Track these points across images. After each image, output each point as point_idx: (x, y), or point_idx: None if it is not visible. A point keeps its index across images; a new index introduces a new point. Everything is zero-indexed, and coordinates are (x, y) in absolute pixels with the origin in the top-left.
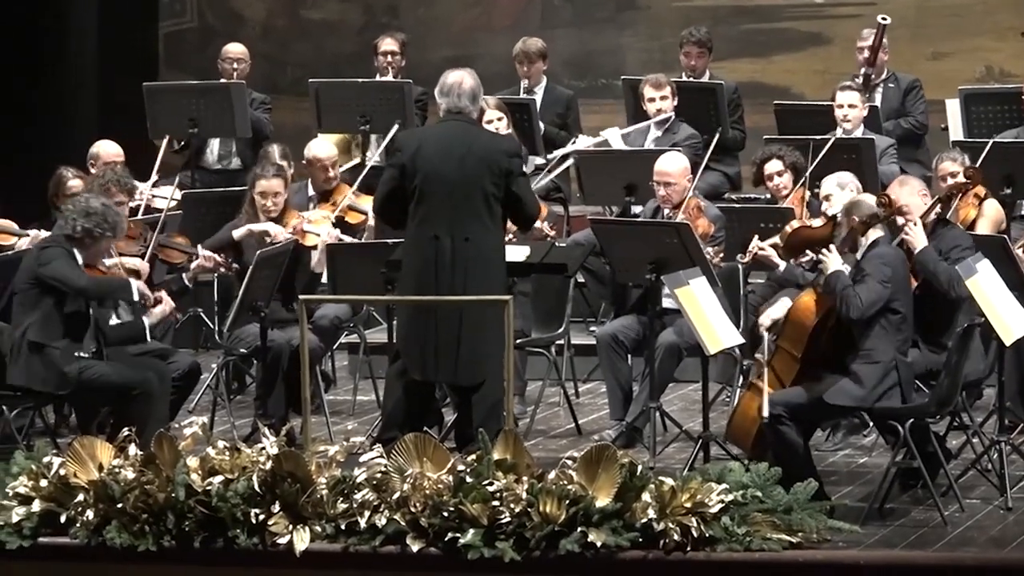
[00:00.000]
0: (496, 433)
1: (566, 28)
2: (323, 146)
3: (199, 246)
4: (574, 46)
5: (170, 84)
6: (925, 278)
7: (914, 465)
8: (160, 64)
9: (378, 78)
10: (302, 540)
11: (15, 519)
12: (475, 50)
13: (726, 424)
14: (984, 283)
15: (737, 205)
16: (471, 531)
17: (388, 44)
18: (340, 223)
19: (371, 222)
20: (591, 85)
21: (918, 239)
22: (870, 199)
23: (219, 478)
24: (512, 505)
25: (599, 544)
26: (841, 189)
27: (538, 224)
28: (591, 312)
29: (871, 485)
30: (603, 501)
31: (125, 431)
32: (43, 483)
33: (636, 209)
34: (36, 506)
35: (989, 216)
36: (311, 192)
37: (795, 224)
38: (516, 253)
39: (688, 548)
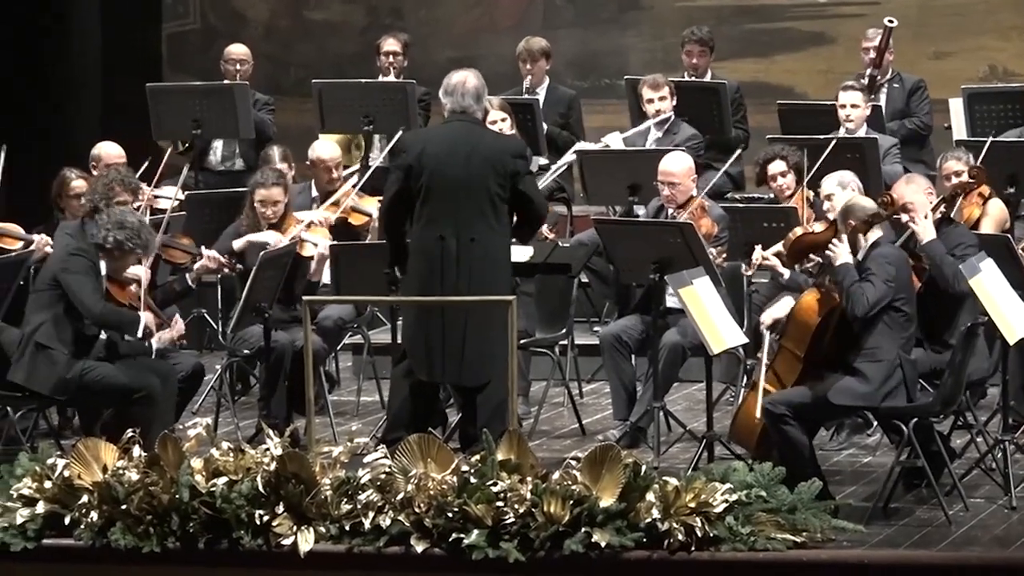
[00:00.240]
0: (500, 433)
1: (569, 28)
2: (327, 147)
3: (203, 247)
4: (577, 46)
5: (173, 85)
6: (927, 278)
7: (918, 464)
8: (163, 65)
9: (380, 78)
10: (306, 541)
11: (19, 521)
12: (478, 51)
13: (730, 424)
14: (988, 282)
15: (740, 205)
16: (475, 532)
17: (390, 44)
18: (343, 224)
19: (375, 223)
20: (594, 85)
21: (926, 232)
22: (866, 200)
23: (223, 479)
24: (516, 505)
25: (603, 544)
26: (843, 189)
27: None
28: (595, 312)
29: (875, 484)
30: (607, 501)
31: (129, 432)
32: (47, 485)
33: (639, 210)
34: (40, 508)
35: (993, 215)
36: (314, 193)
37: (798, 231)
38: (520, 253)
39: (692, 548)
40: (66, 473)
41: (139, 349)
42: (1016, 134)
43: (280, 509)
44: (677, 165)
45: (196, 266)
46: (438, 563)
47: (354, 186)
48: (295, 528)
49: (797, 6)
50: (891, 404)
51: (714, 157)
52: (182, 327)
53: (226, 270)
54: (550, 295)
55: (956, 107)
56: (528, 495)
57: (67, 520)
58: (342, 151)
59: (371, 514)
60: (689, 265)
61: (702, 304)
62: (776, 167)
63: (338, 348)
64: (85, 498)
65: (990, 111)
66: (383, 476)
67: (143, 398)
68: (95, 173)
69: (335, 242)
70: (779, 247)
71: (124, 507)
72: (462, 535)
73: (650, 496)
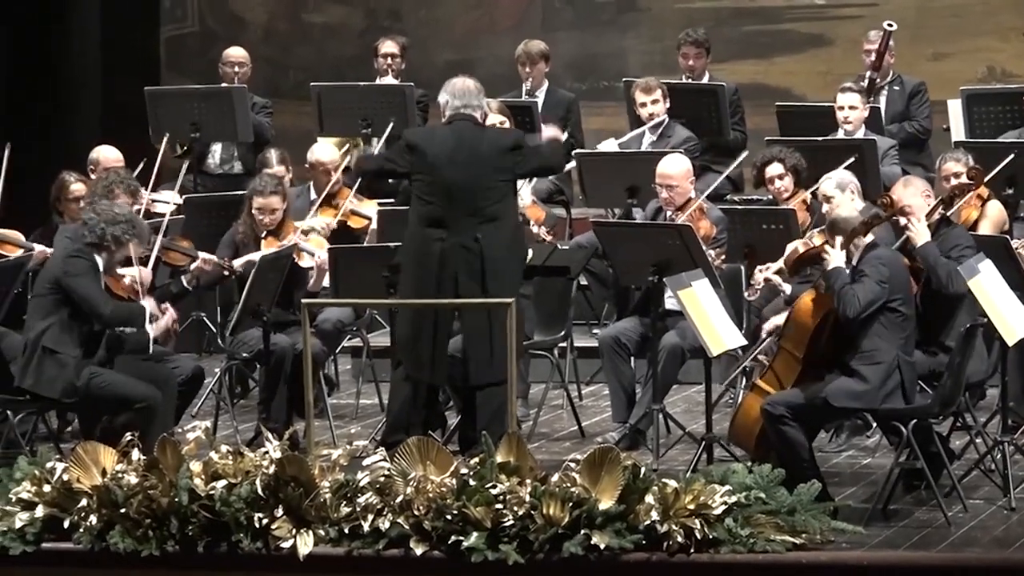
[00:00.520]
0: (499, 436)
1: (568, 30)
2: (326, 150)
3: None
4: (576, 48)
5: (172, 88)
6: (924, 281)
7: (917, 466)
8: (161, 68)
9: (378, 81)
10: (305, 544)
11: (18, 524)
12: (477, 53)
13: (729, 426)
14: (987, 284)
15: (739, 207)
16: (475, 534)
17: (388, 47)
18: (342, 227)
19: (373, 226)
20: (593, 87)
21: (920, 234)
22: (849, 212)
23: (222, 482)
24: (515, 508)
25: (603, 546)
26: (841, 192)
27: (535, 229)
28: (594, 314)
29: (874, 486)
30: (606, 503)
31: (128, 436)
32: (46, 488)
33: (636, 213)
34: (39, 511)
35: (991, 217)
36: (312, 196)
37: (800, 248)
38: None
39: (692, 550)
40: (65, 477)
41: (139, 344)
42: (1015, 135)
43: (279, 512)
44: (675, 167)
45: (192, 267)
46: (437, 565)
47: (352, 188)
48: (294, 531)
49: (796, 8)
50: (889, 406)
51: (712, 159)
52: (174, 313)
53: (225, 272)
54: (549, 297)
55: (955, 108)
56: (527, 497)
57: (66, 524)
58: (341, 153)
59: (370, 517)
60: (688, 267)
61: (701, 306)
62: (774, 169)
63: (337, 351)
64: (84, 502)
65: (989, 112)
66: (382, 479)
67: (144, 408)
68: (93, 177)
69: (333, 246)
70: (779, 264)
71: (123, 510)
72: (461, 537)
73: (649, 498)
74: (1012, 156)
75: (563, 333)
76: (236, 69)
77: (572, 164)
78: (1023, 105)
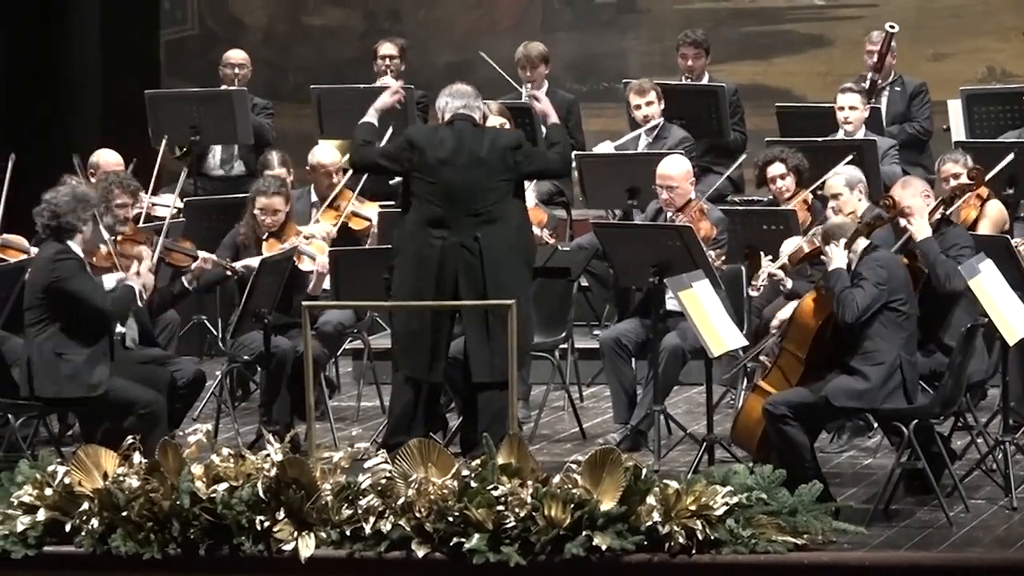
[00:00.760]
0: (501, 438)
1: (567, 31)
2: (327, 152)
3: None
4: (575, 49)
5: (172, 91)
6: (923, 281)
7: (919, 466)
8: (161, 71)
9: (377, 82)
10: (307, 547)
11: (20, 528)
12: (477, 54)
13: (730, 427)
14: (987, 283)
15: (740, 208)
16: (476, 536)
17: (387, 48)
18: (344, 229)
19: (374, 228)
20: (593, 89)
21: (920, 231)
22: (843, 219)
23: (224, 485)
24: (517, 509)
25: (604, 548)
26: (850, 190)
27: (538, 231)
28: (594, 316)
29: (876, 486)
30: (608, 504)
31: (129, 439)
32: (48, 492)
33: (636, 214)
34: (41, 515)
35: (991, 217)
36: (314, 198)
37: (804, 247)
38: None
39: (693, 551)
40: (67, 480)
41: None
42: (1015, 135)
43: (281, 515)
44: (675, 168)
45: (193, 267)
46: (439, 568)
47: (352, 189)
48: (296, 534)
49: (795, 8)
50: (890, 405)
51: (713, 160)
52: (150, 278)
53: (227, 273)
54: (550, 299)
55: (955, 108)
56: (529, 499)
57: (68, 527)
58: (341, 155)
59: (372, 519)
60: (688, 268)
61: (702, 307)
62: (775, 169)
63: (338, 353)
64: (86, 505)
65: (989, 112)
66: (384, 481)
67: (147, 413)
68: (93, 180)
69: (334, 248)
70: (783, 260)
71: (125, 514)
72: (463, 539)
73: (651, 499)
74: (1012, 156)
75: (564, 335)
76: (236, 71)
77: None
78: (1023, 105)
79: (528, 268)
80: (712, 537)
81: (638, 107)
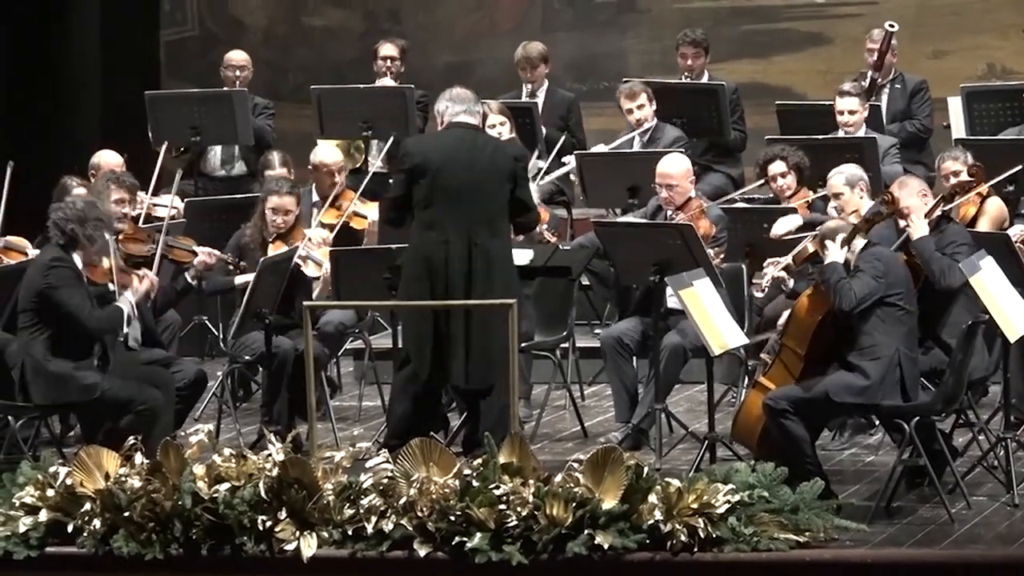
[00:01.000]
0: (502, 437)
1: (567, 31)
2: (329, 151)
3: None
4: (575, 49)
5: (172, 92)
6: (923, 279)
7: (920, 463)
8: (161, 72)
9: (377, 83)
10: (309, 546)
11: (22, 529)
12: (477, 54)
13: (731, 425)
14: (988, 280)
15: (740, 205)
16: (478, 535)
17: (387, 49)
18: (344, 228)
19: (374, 228)
20: (593, 88)
21: (917, 229)
22: (839, 223)
23: (225, 485)
24: (519, 508)
25: (606, 546)
26: (851, 189)
27: (537, 228)
28: (595, 315)
29: (878, 484)
30: (610, 503)
31: (131, 440)
32: (50, 493)
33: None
34: (43, 516)
35: (990, 214)
36: (315, 198)
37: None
38: (520, 257)
39: (695, 549)
40: (68, 481)
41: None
42: (1015, 132)
43: (283, 515)
44: (675, 167)
45: (196, 262)
46: (441, 567)
47: (354, 190)
48: (298, 533)
49: (795, 7)
50: (888, 401)
51: (713, 159)
52: (147, 282)
53: (230, 267)
54: (550, 298)
55: (955, 106)
56: (530, 498)
57: (70, 528)
58: (343, 154)
59: (373, 519)
60: (689, 266)
61: (703, 305)
62: (777, 167)
63: (339, 353)
64: (87, 506)
65: (989, 109)
66: (385, 481)
67: (146, 411)
68: (93, 181)
69: (335, 247)
70: (787, 260)
71: (127, 514)
72: (465, 538)
73: (652, 498)
74: (1021, 167)
75: (565, 333)
76: (237, 73)
77: (572, 165)
78: (1023, 102)
79: (517, 278)
80: (714, 535)
81: (630, 111)
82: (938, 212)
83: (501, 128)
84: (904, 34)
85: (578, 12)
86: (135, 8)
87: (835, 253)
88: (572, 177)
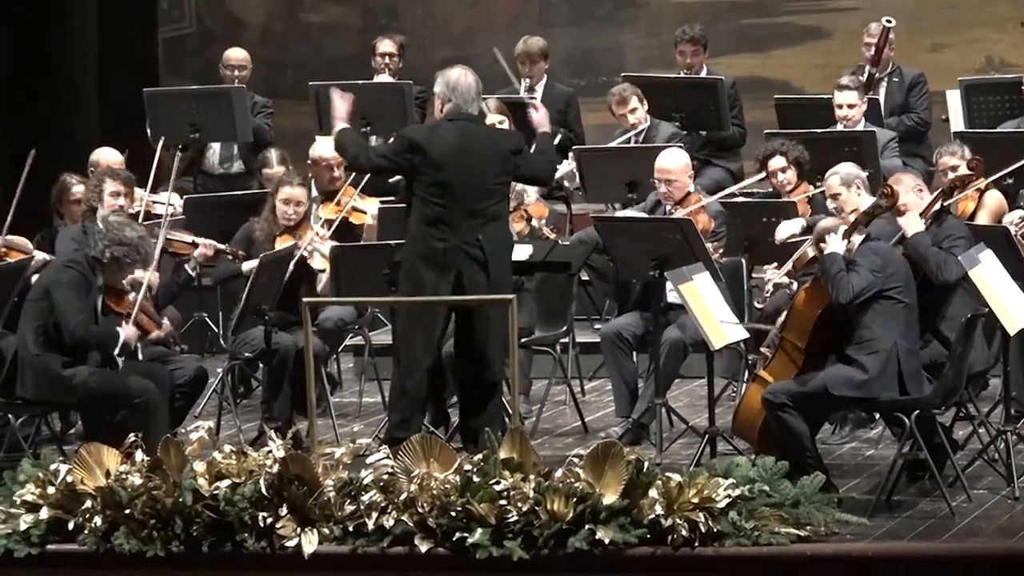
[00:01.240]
0: (502, 432)
1: (565, 26)
2: (328, 146)
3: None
4: (573, 44)
5: (170, 89)
6: (921, 273)
7: (921, 456)
8: (160, 69)
9: (376, 79)
10: (310, 543)
11: (23, 527)
12: (474, 50)
13: (732, 419)
14: (987, 273)
15: (739, 199)
16: (479, 530)
17: (386, 45)
18: (344, 224)
19: (371, 221)
20: (590, 83)
21: (911, 226)
22: (834, 221)
23: (226, 482)
24: (519, 504)
25: (607, 541)
26: (848, 188)
27: (537, 224)
28: (595, 310)
29: (878, 477)
30: (610, 498)
31: (131, 437)
32: (50, 490)
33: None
34: (44, 513)
35: (989, 206)
36: (315, 193)
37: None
38: (520, 252)
39: (696, 543)
40: (69, 478)
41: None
42: (1014, 125)
43: (283, 511)
44: (674, 162)
45: (196, 254)
46: (442, 562)
47: (355, 186)
48: (299, 530)
49: (793, 0)
50: (886, 395)
51: (711, 153)
52: (168, 327)
53: (229, 257)
54: (550, 293)
55: (953, 99)
56: (531, 493)
57: (71, 525)
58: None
59: (374, 515)
60: (688, 261)
61: (702, 300)
62: (777, 162)
63: (339, 349)
64: (88, 503)
65: (987, 102)
66: (386, 476)
67: (140, 404)
68: (90, 176)
69: (335, 244)
70: (788, 266)
71: (127, 511)
72: (466, 534)
73: (653, 492)
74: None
75: (565, 329)
76: (236, 71)
77: (572, 165)
78: (1021, 95)
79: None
80: (715, 530)
81: (623, 116)
82: (938, 206)
83: (500, 126)
84: (902, 27)
85: (575, 7)
86: (133, 6)
87: (835, 244)
88: (571, 169)
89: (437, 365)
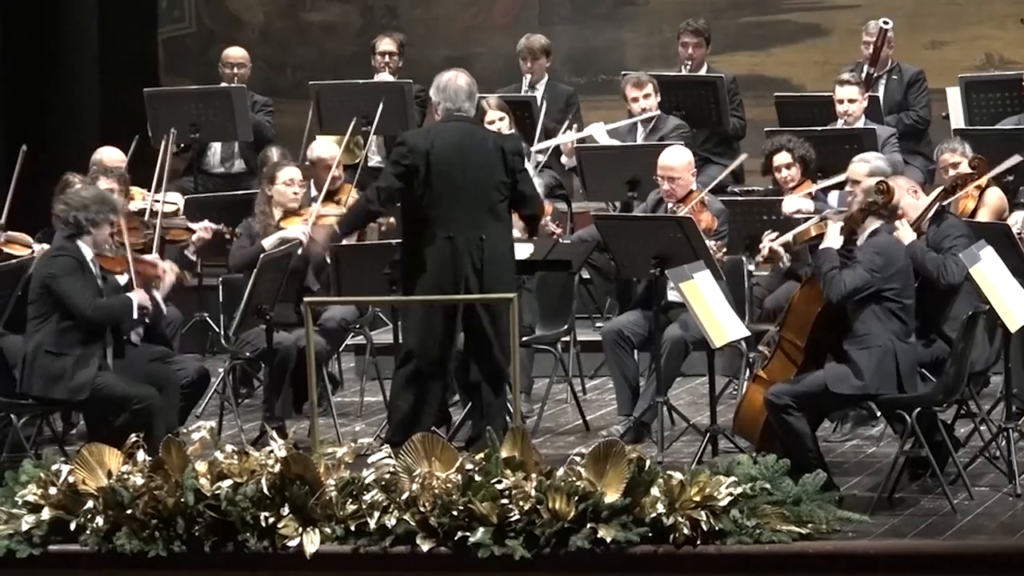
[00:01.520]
0: (504, 431)
1: (565, 25)
2: (326, 146)
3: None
4: (573, 42)
5: (171, 89)
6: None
7: (922, 454)
8: (160, 69)
9: (376, 78)
10: (312, 542)
11: (25, 527)
12: (474, 49)
13: (733, 417)
14: (988, 271)
15: (740, 198)
16: (481, 530)
17: (386, 44)
18: None
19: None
20: (591, 81)
21: (905, 235)
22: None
23: (228, 482)
24: (521, 503)
25: (609, 540)
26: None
27: (543, 220)
28: (596, 308)
29: (880, 475)
30: (612, 497)
31: (133, 437)
32: (52, 491)
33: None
34: (45, 514)
35: (990, 204)
36: (314, 192)
37: (810, 227)
38: (521, 251)
39: (698, 542)
40: (71, 479)
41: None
42: (1014, 121)
43: (285, 511)
44: (677, 159)
45: (194, 238)
46: (444, 562)
47: (355, 186)
48: (300, 529)
49: None
50: (884, 392)
51: (712, 149)
52: (171, 275)
53: (226, 236)
54: (551, 292)
55: (954, 96)
56: (533, 492)
57: (72, 526)
58: (343, 150)
59: (376, 514)
60: (689, 259)
61: (703, 298)
62: (781, 158)
63: (341, 349)
64: (90, 503)
65: (988, 99)
66: (388, 476)
67: (141, 409)
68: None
69: (336, 244)
70: (788, 237)
71: (129, 512)
72: (467, 533)
73: (655, 491)
74: (1019, 158)
75: (566, 327)
76: (235, 70)
77: (573, 164)
78: (1021, 91)
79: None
80: (716, 528)
81: (635, 100)
82: (938, 205)
83: (500, 124)
84: (902, 25)
85: (576, 5)
86: (133, 6)
87: (832, 238)
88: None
89: (443, 363)
